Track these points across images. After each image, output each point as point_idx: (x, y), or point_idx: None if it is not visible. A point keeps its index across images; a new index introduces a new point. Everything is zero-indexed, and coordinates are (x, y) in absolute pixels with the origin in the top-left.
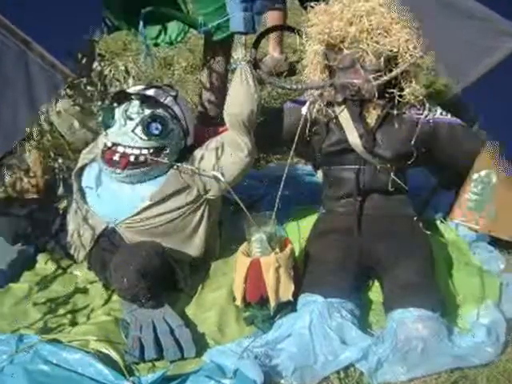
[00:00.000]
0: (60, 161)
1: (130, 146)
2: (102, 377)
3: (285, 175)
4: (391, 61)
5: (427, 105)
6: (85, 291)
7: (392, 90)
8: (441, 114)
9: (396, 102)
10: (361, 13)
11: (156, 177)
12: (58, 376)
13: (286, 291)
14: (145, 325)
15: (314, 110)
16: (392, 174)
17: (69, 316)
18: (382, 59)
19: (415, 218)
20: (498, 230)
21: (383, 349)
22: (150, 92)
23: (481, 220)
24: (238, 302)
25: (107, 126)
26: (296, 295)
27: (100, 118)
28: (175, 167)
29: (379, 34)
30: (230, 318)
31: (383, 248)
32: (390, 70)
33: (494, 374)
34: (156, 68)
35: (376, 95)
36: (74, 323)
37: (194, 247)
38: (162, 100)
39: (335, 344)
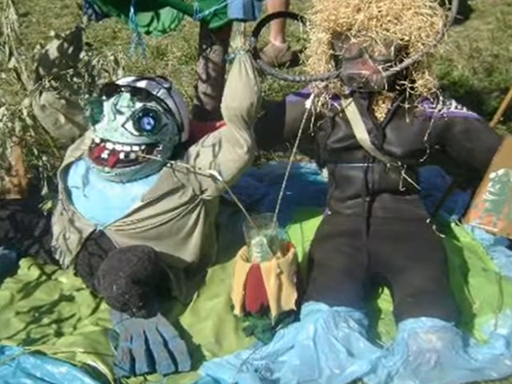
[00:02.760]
0: (44, 158)
1: (119, 143)
2: None
3: (287, 174)
4: (402, 50)
5: (441, 97)
6: (71, 299)
7: (403, 82)
8: (456, 107)
9: (407, 94)
10: None
11: (148, 175)
12: None
13: (289, 299)
14: (136, 336)
15: (319, 104)
16: (403, 172)
17: (54, 326)
18: (393, 48)
19: (428, 220)
20: None
21: (393, 361)
22: (142, 84)
23: (499, 222)
24: (237, 311)
25: (95, 121)
26: (299, 304)
27: (87, 112)
28: (169, 165)
29: (389, 21)
30: (227, 328)
31: (393, 252)
32: (401, 60)
33: None
34: (148, 58)
35: (386, 87)
36: (59, 334)
37: (190, 252)
38: (154, 93)
39: (342, 356)
